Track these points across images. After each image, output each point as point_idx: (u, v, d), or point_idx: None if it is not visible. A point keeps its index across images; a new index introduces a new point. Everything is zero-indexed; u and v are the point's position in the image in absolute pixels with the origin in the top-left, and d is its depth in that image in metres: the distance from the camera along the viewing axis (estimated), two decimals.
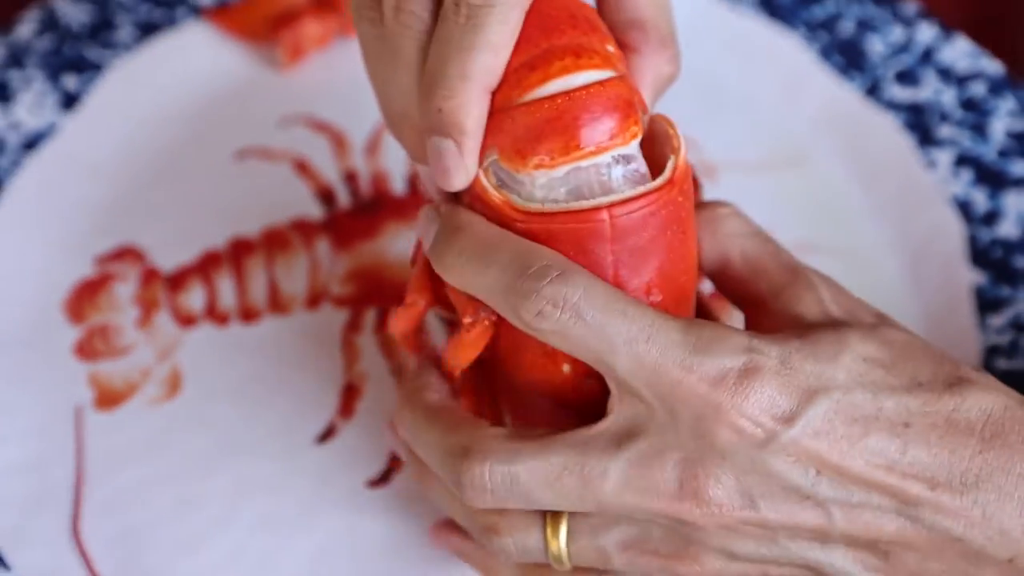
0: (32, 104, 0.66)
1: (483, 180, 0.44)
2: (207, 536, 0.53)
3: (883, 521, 0.43)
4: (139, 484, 0.54)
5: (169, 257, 0.61)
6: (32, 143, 0.65)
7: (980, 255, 0.60)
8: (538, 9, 0.44)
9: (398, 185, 0.64)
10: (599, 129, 0.43)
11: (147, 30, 0.69)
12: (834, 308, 0.45)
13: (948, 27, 0.68)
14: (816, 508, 0.43)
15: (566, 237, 0.43)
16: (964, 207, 0.62)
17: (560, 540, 0.46)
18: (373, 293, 0.60)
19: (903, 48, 0.67)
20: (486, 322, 0.45)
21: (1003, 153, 0.63)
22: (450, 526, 0.50)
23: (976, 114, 0.65)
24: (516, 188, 0.44)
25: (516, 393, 0.48)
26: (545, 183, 0.43)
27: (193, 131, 0.66)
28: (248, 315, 0.60)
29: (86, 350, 0.59)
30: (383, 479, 0.54)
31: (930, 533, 0.42)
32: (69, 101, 0.66)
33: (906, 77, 0.67)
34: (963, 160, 0.63)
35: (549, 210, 0.43)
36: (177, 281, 0.61)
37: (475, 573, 0.51)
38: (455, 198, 0.46)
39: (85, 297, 0.60)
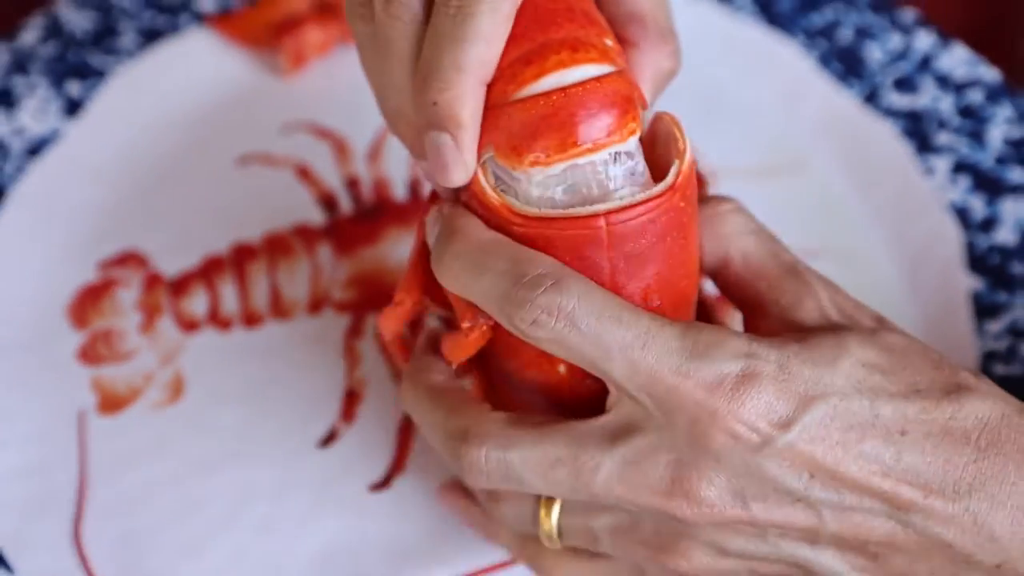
0: (36, 110, 0.66)
1: (482, 181, 0.43)
2: (209, 540, 0.53)
3: (874, 524, 0.43)
4: (142, 488, 0.55)
5: (172, 262, 0.62)
6: (36, 149, 0.65)
7: (977, 261, 0.60)
8: (534, 3, 0.43)
9: (399, 191, 0.64)
10: (596, 126, 0.42)
11: (150, 37, 0.69)
12: (833, 311, 0.45)
13: (946, 35, 0.68)
14: (807, 509, 0.43)
15: (563, 242, 0.42)
16: (962, 213, 0.62)
17: (552, 519, 0.47)
18: (374, 298, 0.60)
19: (901, 55, 0.68)
20: (484, 327, 0.45)
21: (1000, 160, 0.64)
22: (457, 488, 0.51)
23: (974, 121, 0.65)
24: (513, 185, 0.43)
25: (513, 389, 0.48)
26: (541, 180, 0.43)
27: (196, 137, 0.66)
28: (250, 320, 0.60)
29: (89, 355, 0.59)
30: (384, 483, 0.55)
31: (920, 537, 0.43)
32: (73, 107, 0.67)
33: (904, 84, 0.67)
34: (961, 167, 0.64)
35: (546, 215, 0.42)
36: (180, 286, 0.61)
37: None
38: (458, 198, 0.45)
39: (88, 302, 0.61)
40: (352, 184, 0.65)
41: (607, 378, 0.43)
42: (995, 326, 0.58)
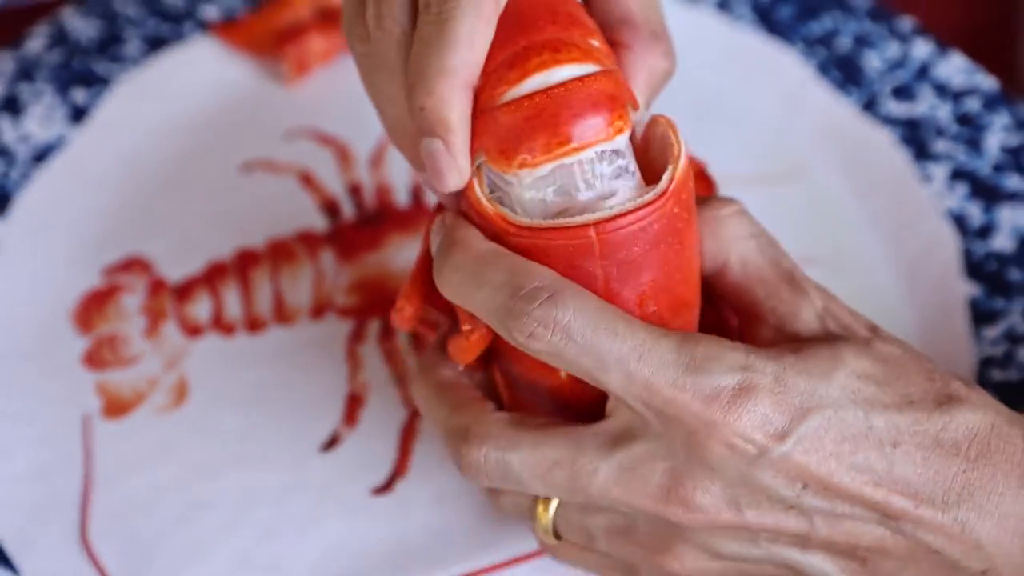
0: (41, 117, 0.67)
1: (477, 191, 0.44)
2: (214, 543, 0.53)
3: (864, 530, 0.43)
4: (146, 492, 0.55)
5: (176, 268, 0.62)
6: (41, 156, 0.66)
7: (975, 268, 0.61)
8: (519, 7, 0.44)
9: (402, 197, 0.65)
10: (580, 125, 0.42)
11: (155, 44, 0.70)
12: (829, 320, 0.46)
13: (944, 43, 0.69)
14: (799, 516, 0.43)
15: (556, 251, 0.43)
16: (959, 220, 0.62)
17: (548, 515, 0.47)
18: (377, 304, 0.61)
19: (899, 64, 0.68)
20: (483, 329, 0.45)
21: (997, 167, 0.64)
22: None
23: (971, 129, 0.66)
24: (507, 190, 0.44)
25: (519, 389, 0.48)
26: (531, 182, 0.43)
27: (200, 144, 0.67)
28: (254, 325, 0.60)
29: (94, 359, 0.59)
30: (387, 486, 0.55)
31: (909, 544, 0.43)
32: (78, 114, 0.67)
33: (902, 92, 0.67)
34: (958, 174, 0.64)
35: (538, 225, 0.43)
36: (184, 292, 0.61)
37: None
38: (460, 208, 0.46)
39: (93, 307, 0.61)
40: (354, 190, 0.65)
41: (605, 388, 0.43)
42: (992, 332, 0.59)
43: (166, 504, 0.54)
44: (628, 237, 0.42)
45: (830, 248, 0.63)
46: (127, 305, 0.61)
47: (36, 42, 0.70)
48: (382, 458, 0.56)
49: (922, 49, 0.68)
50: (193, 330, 0.60)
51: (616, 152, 0.43)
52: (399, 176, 0.65)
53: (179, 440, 0.56)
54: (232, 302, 0.61)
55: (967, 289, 0.60)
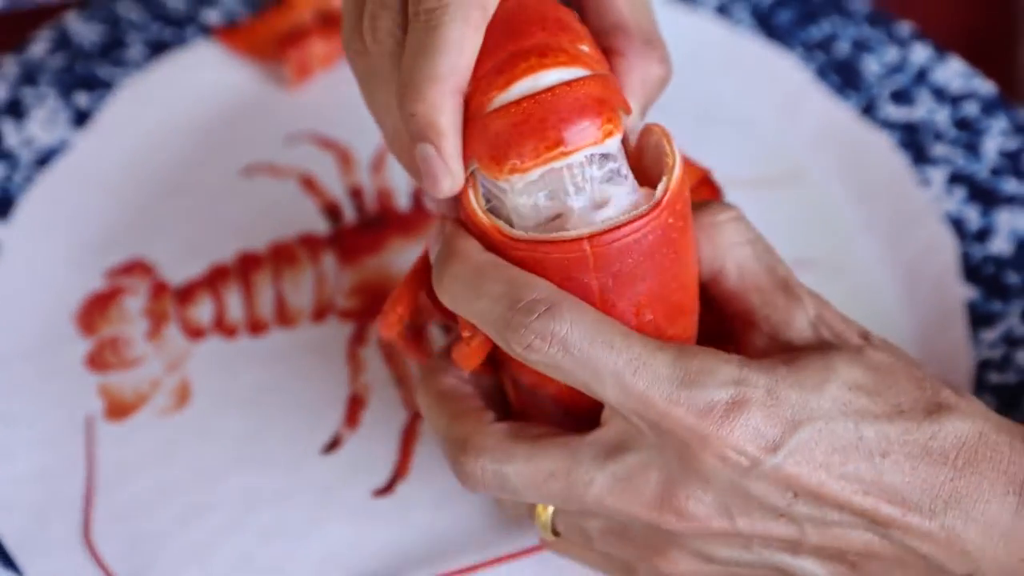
0: (45, 121, 0.67)
1: (473, 203, 0.44)
2: (216, 544, 0.54)
3: (853, 536, 0.44)
4: (149, 493, 0.55)
5: (178, 271, 0.62)
6: (44, 159, 0.66)
7: (973, 271, 0.61)
8: (508, 15, 0.44)
9: (403, 201, 0.65)
10: (568, 129, 0.43)
11: (157, 49, 0.70)
12: (823, 328, 0.46)
13: (942, 48, 0.69)
14: (790, 523, 0.44)
15: (551, 264, 0.43)
16: (957, 224, 0.63)
17: (548, 513, 0.48)
18: (378, 307, 0.61)
19: (898, 68, 0.69)
20: (483, 336, 0.45)
21: (995, 171, 0.64)
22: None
23: (969, 133, 0.66)
24: (501, 197, 0.44)
25: (522, 392, 0.48)
26: (523, 188, 0.43)
27: (202, 148, 0.67)
28: (256, 328, 0.61)
29: (97, 362, 0.60)
30: (388, 488, 0.55)
31: (897, 549, 0.44)
32: (81, 118, 0.67)
33: (901, 97, 0.68)
34: (956, 178, 0.64)
35: (532, 238, 0.43)
36: (186, 294, 0.62)
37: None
38: (458, 217, 0.46)
39: (96, 310, 0.61)
40: (356, 194, 0.65)
41: (601, 399, 0.44)
42: (990, 335, 0.59)
43: (168, 506, 0.55)
44: (622, 249, 0.43)
45: (829, 251, 0.63)
46: (129, 308, 0.61)
47: (39, 46, 0.70)
48: (383, 460, 0.56)
49: (920, 53, 0.69)
50: (195, 332, 0.61)
51: (606, 156, 0.44)
52: (400, 180, 0.65)
53: (181, 442, 0.57)
54: (234, 305, 0.61)
55: (965, 292, 0.60)
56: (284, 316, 0.61)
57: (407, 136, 0.44)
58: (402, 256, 0.63)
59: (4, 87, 0.68)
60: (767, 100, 0.68)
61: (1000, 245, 0.62)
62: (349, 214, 0.65)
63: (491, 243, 0.44)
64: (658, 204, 0.43)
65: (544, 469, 0.45)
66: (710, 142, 0.66)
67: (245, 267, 0.63)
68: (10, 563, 0.53)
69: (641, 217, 0.43)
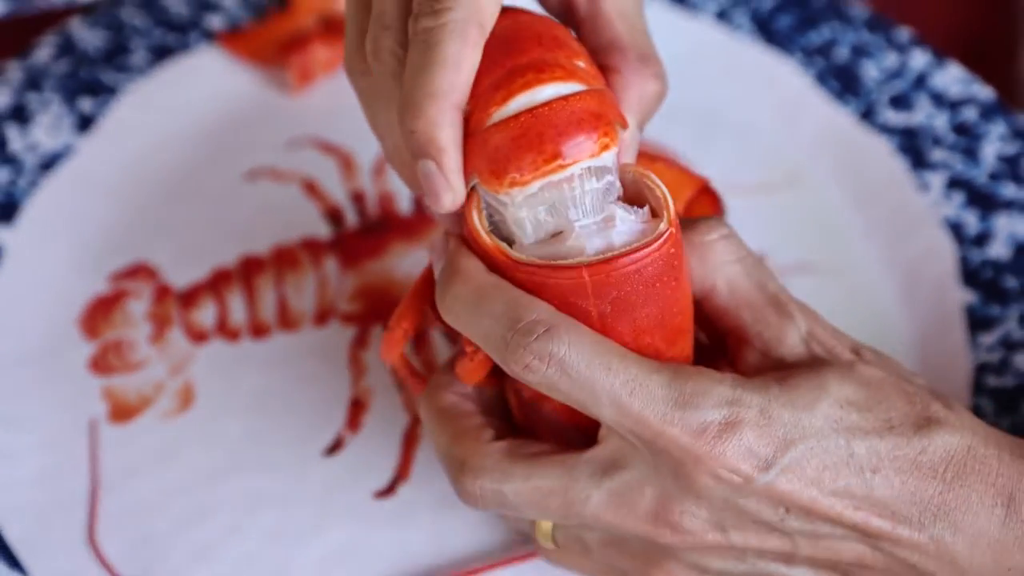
0: (49, 126, 0.67)
1: (475, 223, 0.45)
2: (219, 546, 0.54)
3: (844, 547, 0.45)
4: (152, 495, 0.55)
5: (181, 274, 0.63)
6: (49, 164, 0.66)
7: (971, 275, 0.61)
8: (506, 33, 0.45)
9: (404, 205, 0.65)
10: (566, 143, 0.43)
11: (160, 54, 0.70)
12: (814, 344, 0.47)
13: (941, 53, 0.69)
14: (782, 537, 0.45)
15: (550, 288, 0.44)
16: (956, 228, 0.63)
17: (548, 524, 0.49)
18: (379, 310, 0.61)
19: (897, 74, 0.69)
20: (484, 352, 0.46)
21: (994, 176, 0.65)
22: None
23: (968, 138, 0.66)
24: (502, 211, 0.45)
25: (524, 404, 0.49)
26: (523, 201, 0.44)
27: (205, 152, 0.67)
28: (258, 331, 0.61)
29: (100, 365, 0.60)
30: (389, 490, 0.55)
31: (887, 560, 0.45)
32: (85, 123, 0.68)
33: (900, 102, 0.68)
34: (955, 183, 0.65)
35: (533, 263, 0.44)
36: (189, 298, 0.62)
37: None
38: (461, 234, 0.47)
39: (99, 313, 0.62)
40: (358, 198, 0.66)
41: (598, 419, 0.45)
42: (988, 339, 0.59)
43: (172, 508, 0.55)
44: (621, 278, 0.43)
45: (828, 255, 0.63)
46: (133, 311, 0.62)
47: (44, 52, 0.70)
48: (384, 462, 0.56)
49: (919, 59, 0.69)
50: (198, 336, 0.61)
51: (603, 169, 0.44)
52: (402, 184, 0.65)
53: (184, 444, 0.57)
54: (237, 308, 0.62)
55: (963, 296, 0.61)
56: (286, 320, 0.61)
57: (408, 153, 0.45)
58: (404, 260, 0.63)
59: (9, 92, 0.68)
60: (767, 105, 0.69)
61: (998, 249, 0.62)
62: (351, 218, 0.65)
63: (493, 263, 0.45)
64: (660, 236, 0.43)
65: (542, 487, 0.46)
66: (710, 147, 0.67)
67: (248, 271, 0.63)
68: (16, 564, 0.53)
69: (641, 248, 0.43)
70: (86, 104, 0.68)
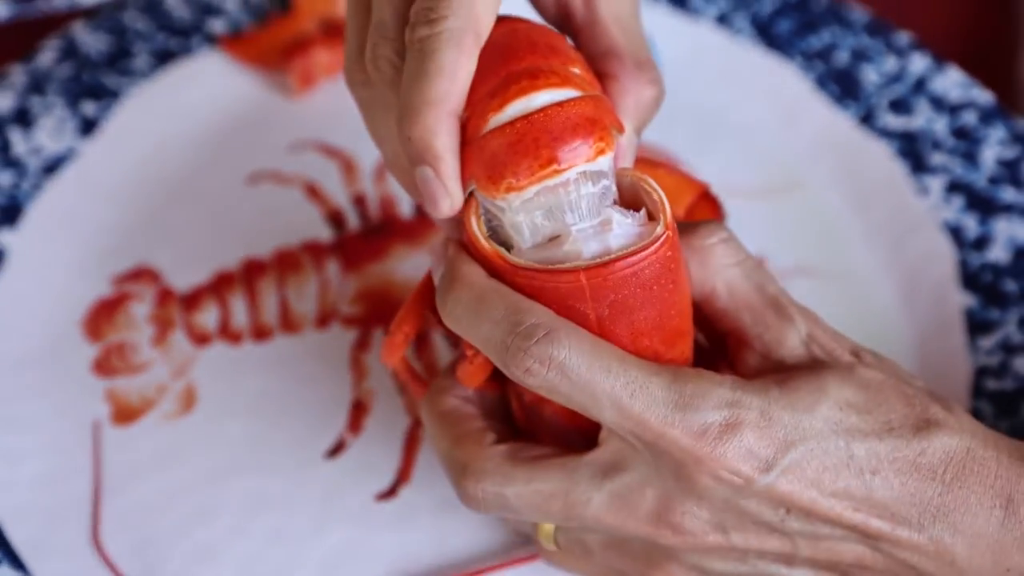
0: (52, 129, 0.68)
1: (474, 228, 0.45)
2: (222, 547, 0.54)
3: (844, 548, 0.46)
4: (155, 497, 0.56)
5: (184, 277, 0.63)
6: (52, 167, 0.66)
7: (971, 279, 0.62)
8: (501, 41, 0.45)
9: (406, 208, 0.65)
10: (561, 148, 0.43)
11: (163, 58, 0.71)
12: (814, 346, 0.47)
13: (940, 58, 0.69)
14: (783, 538, 0.45)
15: (549, 292, 0.44)
16: (955, 232, 0.63)
17: (550, 527, 0.49)
18: (381, 313, 0.61)
19: (896, 78, 0.69)
20: (485, 356, 0.46)
21: (993, 180, 0.65)
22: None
23: (967, 142, 0.66)
24: (500, 216, 0.45)
25: (525, 406, 0.49)
26: (520, 206, 0.44)
27: (207, 156, 0.68)
28: (260, 334, 0.61)
29: (103, 367, 0.60)
30: (391, 492, 0.56)
31: (887, 560, 0.45)
32: (88, 127, 0.68)
33: (899, 106, 0.68)
34: (954, 186, 0.65)
35: (531, 267, 0.44)
36: (191, 301, 0.62)
37: None
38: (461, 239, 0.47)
39: (102, 316, 0.62)
40: (359, 201, 0.66)
41: (598, 421, 0.45)
42: (987, 342, 0.59)
43: (174, 509, 0.55)
44: (618, 282, 0.44)
45: (828, 259, 0.63)
46: (136, 314, 0.62)
47: (47, 55, 0.70)
48: (386, 464, 0.56)
49: (919, 63, 0.69)
50: (201, 338, 0.61)
51: (598, 173, 0.44)
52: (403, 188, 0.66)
53: (187, 446, 0.57)
54: (239, 311, 0.62)
55: (963, 300, 0.61)
56: (288, 322, 0.61)
57: (406, 160, 0.45)
58: (405, 263, 0.63)
59: (12, 96, 0.69)
60: (767, 109, 0.69)
61: (998, 253, 0.62)
62: (353, 221, 0.65)
63: (492, 268, 0.45)
64: (656, 239, 0.44)
65: (543, 490, 0.46)
66: (710, 151, 0.67)
67: (250, 274, 0.63)
68: (20, 566, 0.54)
69: (638, 252, 0.43)
70: (89, 108, 0.69)
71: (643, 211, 0.45)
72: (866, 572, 0.46)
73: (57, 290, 0.62)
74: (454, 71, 0.44)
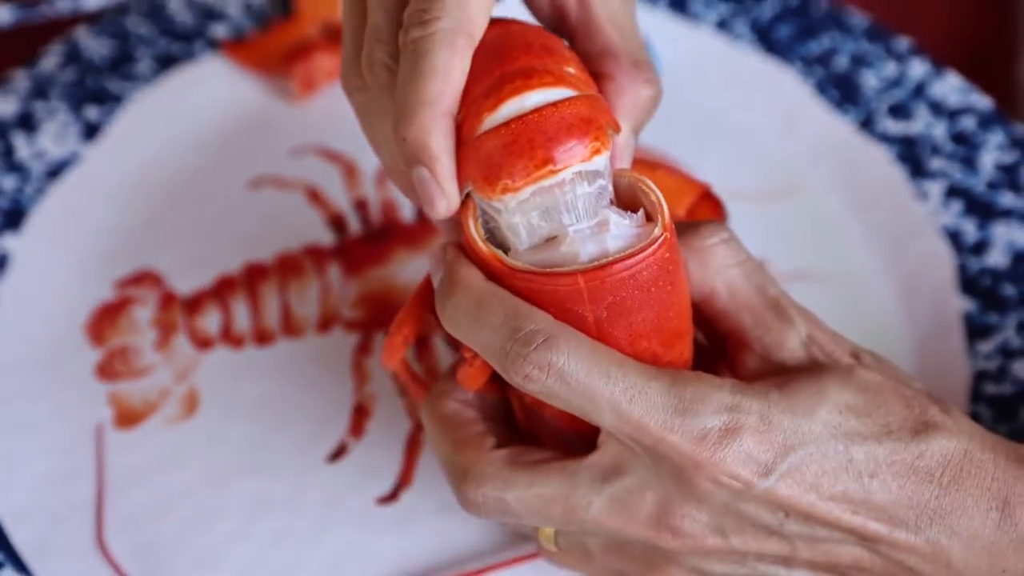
0: (56, 134, 0.68)
1: (472, 232, 0.45)
2: (224, 551, 0.54)
3: (842, 550, 0.46)
4: (157, 500, 0.56)
5: (186, 281, 0.63)
6: (55, 171, 0.67)
7: (969, 283, 0.62)
8: (495, 41, 0.45)
9: (407, 213, 0.66)
10: (556, 148, 0.43)
11: (166, 63, 0.71)
12: (814, 348, 0.47)
13: (939, 63, 0.70)
14: (782, 540, 0.46)
15: (547, 295, 0.44)
16: (954, 237, 0.63)
17: (551, 530, 0.49)
18: (382, 317, 0.62)
19: (896, 83, 0.69)
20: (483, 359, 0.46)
21: (992, 185, 0.65)
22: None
23: (966, 147, 0.67)
24: (496, 217, 0.45)
25: (525, 409, 0.49)
26: (516, 207, 0.44)
27: (210, 160, 0.68)
28: (262, 338, 0.61)
29: (106, 371, 0.60)
30: (392, 496, 0.56)
31: (884, 562, 0.46)
32: (91, 131, 0.68)
33: (899, 111, 0.68)
34: (953, 191, 0.65)
35: (529, 270, 0.44)
36: (194, 305, 0.63)
37: None
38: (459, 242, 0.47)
39: (105, 320, 0.62)
40: (361, 206, 0.66)
41: (598, 425, 0.45)
42: (986, 346, 0.60)
43: (177, 513, 0.55)
44: (616, 284, 0.44)
45: (828, 263, 0.64)
46: (139, 318, 0.62)
47: (50, 60, 0.71)
48: (387, 468, 0.57)
49: (918, 68, 0.70)
50: (203, 342, 0.61)
51: (594, 173, 0.44)
52: None
53: (189, 450, 0.57)
54: (241, 315, 0.62)
55: (962, 304, 0.61)
56: (290, 326, 0.62)
57: (402, 161, 0.45)
58: (407, 267, 0.63)
59: (16, 101, 0.69)
60: (767, 114, 0.69)
61: (996, 258, 0.62)
62: (354, 225, 0.65)
63: (490, 270, 0.45)
64: (654, 241, 0.44)
65: (543, 495, 0.46)
66: (710, 156, 0.67)
67: (252, 278, 0.63)
68: (24, 569, 0.54)
69: (635, 254, 0.43)
70: (92, 112, 0.69)
71: (641, 212, 0.45)
72: (864, 574, 0.46)
73: (60, 294, 0.63)
74: (447, 71, 0.44)
